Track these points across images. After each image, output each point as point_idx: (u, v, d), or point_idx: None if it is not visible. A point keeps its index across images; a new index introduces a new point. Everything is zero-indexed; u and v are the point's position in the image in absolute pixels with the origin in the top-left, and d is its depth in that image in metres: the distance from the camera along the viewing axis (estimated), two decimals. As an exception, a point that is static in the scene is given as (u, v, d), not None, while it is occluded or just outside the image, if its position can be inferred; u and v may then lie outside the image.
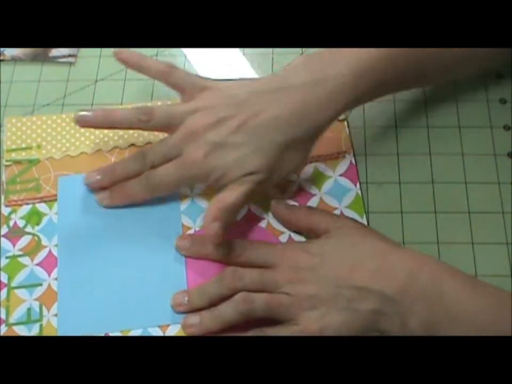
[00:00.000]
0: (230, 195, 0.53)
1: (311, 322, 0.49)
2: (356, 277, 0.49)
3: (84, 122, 0.57)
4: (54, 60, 0.68)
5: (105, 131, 0.62)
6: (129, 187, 0.57)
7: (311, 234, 0.56)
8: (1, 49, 0.68)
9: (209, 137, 0.53)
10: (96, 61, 0.68)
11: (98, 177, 0.58)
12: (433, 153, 0.61)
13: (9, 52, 0.68)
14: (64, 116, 0.63)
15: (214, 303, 0.52)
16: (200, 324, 0.51)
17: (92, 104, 0.65)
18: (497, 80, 0.64)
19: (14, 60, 0.68)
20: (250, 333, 0.50)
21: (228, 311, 0.50)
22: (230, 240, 0.54)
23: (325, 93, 0.53)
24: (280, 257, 0.52)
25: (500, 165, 0.60)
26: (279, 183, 0.56)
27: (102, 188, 0.58)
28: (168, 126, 0.55)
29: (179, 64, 0.67)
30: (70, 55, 0.68)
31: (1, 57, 0.68)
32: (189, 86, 0.56)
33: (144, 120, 0.55)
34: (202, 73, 0.67)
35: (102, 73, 0.67)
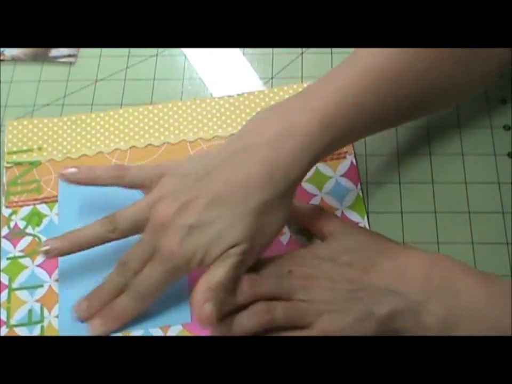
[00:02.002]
0: (217, 272, 0.49)
1: (327, 325, 0.48)
2: (370, 278, 0.49)
3: (54, 253, 0.53)
4: (54, 59, 0.68)
5: (106, 133, 0.62)
6: (119, 305, 0.53)
7: (315, 233, 0.56)
8: (1, 49, 0.68)
9: (179, 223, 0.49)
10: (96, 61, 0.68)
11: (86, 304, 0.53)
12: (433, 154, 0.61)
13: (9, 52, 0.68)
14: (65, 119, 0.63)
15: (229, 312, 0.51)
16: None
17: (92, 104, 0.65)
18: (497, 80, 0.64)
19: (14, 60, 0.68)
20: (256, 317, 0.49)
21: (249, 322, 0.49)
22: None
23: (292, 147, 0.49)
24: (291, 266, 0.51)
25: (499, 165, 0.60)
26: (267, 246, 0.52)
27: (93, 315, 0.53)
28: (137, 227, 0.52)
29: (179, 64, 0.68)
30: (70, 55, 0.68)
31: (1, 57, 0.68)
32: (146, 181, 0.53)
33: (110, 230, 0.52)
34: (202, 73, 0.67)
35: (102, 73, 0.67)
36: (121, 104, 0.65)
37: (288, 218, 0.53)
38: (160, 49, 0.68)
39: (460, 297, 0.47)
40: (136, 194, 0.58)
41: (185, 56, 0.68)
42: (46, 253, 0.52)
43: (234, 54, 0.68)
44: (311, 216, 0.55)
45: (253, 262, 0.51)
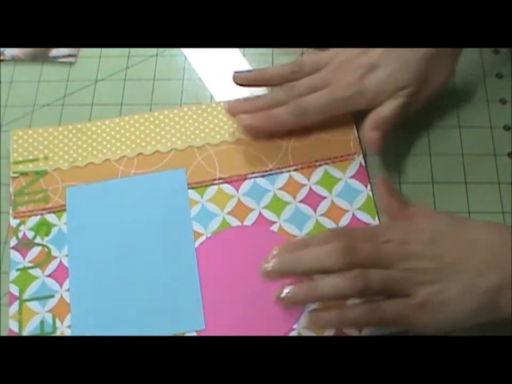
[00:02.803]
0: (386, 108, 0.57)
1: (430, 296, 0.47)
2: (479, 254, 0.48)
3: (242, 80, 0.61)
4: (54, 59, 0.68)
5: (113, 141, 0.62)
6: (276, 112, 0.59)
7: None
8: (1, 49, 0.68)
9: (362, 61, 0.58)
10: (96, 61, 0.68)
11: (242, 103, 0.61)
12: (433, 153, 0.61)
13: (9, 52, 0.68)
14: (70, 127, 0.63)
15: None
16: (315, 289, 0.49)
17: (92, 104, 0.65)
18: (497, 80, 0.64)
19: (14, 60, 0.68)
20: (364, 307, 0.48)
21: (343, 285, 0.48)
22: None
23: None
24: (389, 235, 0.50)
25: (499, 165, 0.60)
26: (431, 95, 0.59)
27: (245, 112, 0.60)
28: (317, 69, 0.60)
29: (179, 64, 0.68)
30: (70, 55, 0.68)
31: (1, 57, 0.68)
32: (321, 61, 0.60)
33: (296, 71, 0.60)
34: (202, 74, 0.67)
35: (102, 73, 0.67)
36: (121, 105, 0.65)
37: (454, 71, 0.59)
38: (160, 49, 0.68)
39: None
40: (146, 201, 0.59)
41: (185, 57, 0.68)
42: (235, 78, 0.61)
43: (234, 54, 0.68)
44: (401, 209, 0.54)
45: (417, 107, 0.59)
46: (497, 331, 0.50)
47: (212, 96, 0.65)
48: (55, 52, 0.68)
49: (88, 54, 0.68)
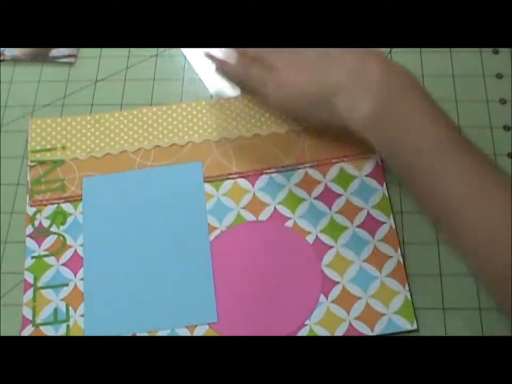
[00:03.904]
0: None
1: (285, 75, 0.55)
2: (332, 52, 0.54)
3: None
4: (54, 59, 0.68)
5: (130, 132, 0.62)
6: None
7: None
8: (1, 49, 0.68)
9: None
10: (96, 61, 0.68)
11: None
12: (433, 153, 0.61)
13: (9, 51, 0.68)
14: (88, 117, 0.63)
15: None
16: None
17: (92, 105, 0.65)
18: (497, 80, 0.64)
19: (14, 60, 0.68)
20: (239, 65, 0.58)
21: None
22: None
23: None
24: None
25: (499, 165, 0.60)
26: None
27: None
28: None
29: (179, 64, 0.68)
30: (70, 55, 0.68)
31: (1, 57, 0.68)
32: None
33: None
34: (202, 74, 0.67)
35: (102, 73, 0.67)
36: (121, 105, 0.65)
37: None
38: (160, 49, 0.68)
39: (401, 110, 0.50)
40: (162, 193, 0.59)
41: (185, 57, 0.68)
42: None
43: (234, 54, 0.67)
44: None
45: None
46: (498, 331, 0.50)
47: (211, 96, 0.65)
48: (55, 52, 0.68)
49: (88, 54, 0.68)
